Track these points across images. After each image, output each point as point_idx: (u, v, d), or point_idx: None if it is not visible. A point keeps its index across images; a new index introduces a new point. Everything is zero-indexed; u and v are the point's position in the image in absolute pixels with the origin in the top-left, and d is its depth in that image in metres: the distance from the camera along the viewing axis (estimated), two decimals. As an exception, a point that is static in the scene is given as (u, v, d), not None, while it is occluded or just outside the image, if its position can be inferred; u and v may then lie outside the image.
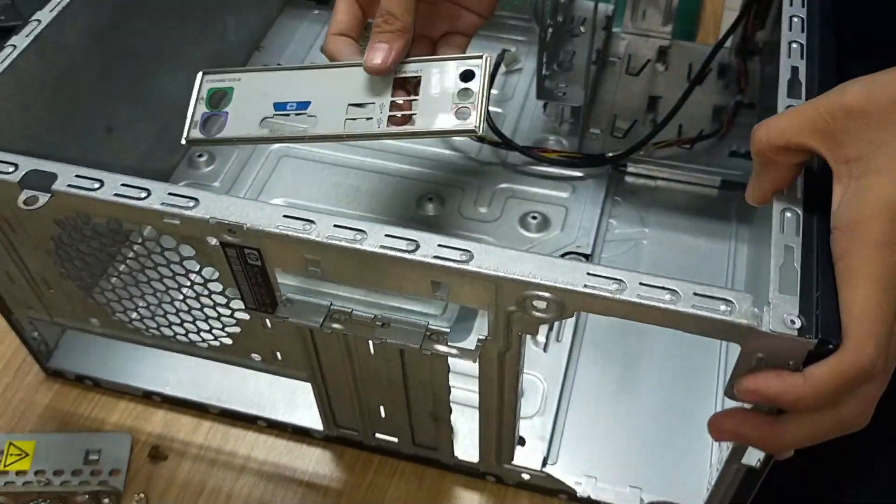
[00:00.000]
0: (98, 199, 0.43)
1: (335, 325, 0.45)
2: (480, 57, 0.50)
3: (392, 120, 0.50)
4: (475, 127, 0.48)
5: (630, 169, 0.71)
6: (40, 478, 0.55)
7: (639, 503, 0.54)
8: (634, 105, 0.74)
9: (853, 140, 0.38)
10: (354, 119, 0.51)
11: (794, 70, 0.47)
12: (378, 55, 0.50)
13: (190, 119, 0.54)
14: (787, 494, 0.98)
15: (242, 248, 0.43)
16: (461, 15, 0.56)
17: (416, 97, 0.50)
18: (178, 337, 0.52)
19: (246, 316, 0.48)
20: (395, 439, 0.55)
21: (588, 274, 0.39)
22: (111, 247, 0.48)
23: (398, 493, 0.56)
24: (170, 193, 0.43)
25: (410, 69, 0.51)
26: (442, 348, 0.45)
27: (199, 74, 0.55)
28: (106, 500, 0.55)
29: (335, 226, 0.41)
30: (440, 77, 0.51)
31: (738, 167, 0.69)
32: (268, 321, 0.48)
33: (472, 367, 0.54)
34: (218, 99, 0.55)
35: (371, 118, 0.50)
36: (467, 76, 0.49)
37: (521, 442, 0.55)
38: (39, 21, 0.52)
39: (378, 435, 0.55)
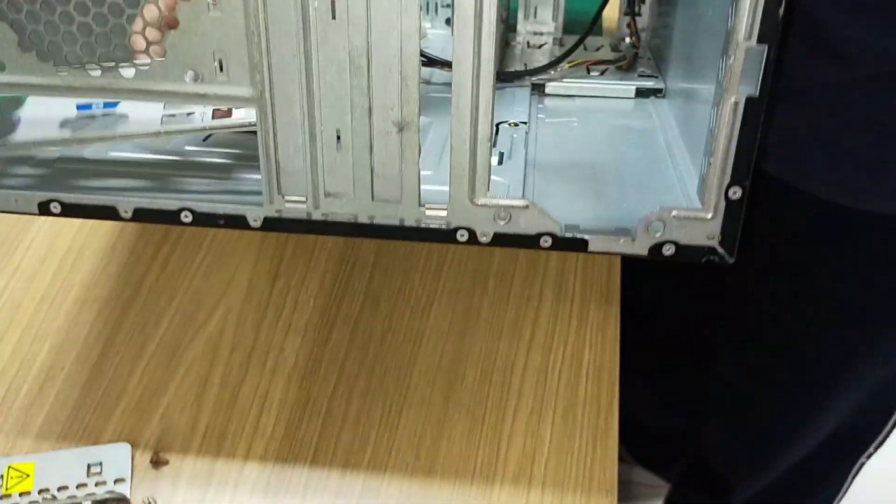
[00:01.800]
0: None
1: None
2: None
3: (216, 113, 0.51)
4: None
5: (548, 90, 0.73)
6: (45, 495, 0.53)
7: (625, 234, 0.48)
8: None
9: None
10: (173, 115, 0.51)
11: None
12: None
13: None
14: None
15: None
16: None
17: None
18: (102, 64, 0.46)
19: (189, -4, 0.44)
20: (349, 206, 0.48)
21: None
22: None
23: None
24: None
25: None
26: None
27: None
28: None
29: None
30: None
31: (649, 80, 0.73)
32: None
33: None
34: (8, 103, 0.52)
35: (193, 113, 0.51)
36: None
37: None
38: None
39: (328, 198, 0.49)
